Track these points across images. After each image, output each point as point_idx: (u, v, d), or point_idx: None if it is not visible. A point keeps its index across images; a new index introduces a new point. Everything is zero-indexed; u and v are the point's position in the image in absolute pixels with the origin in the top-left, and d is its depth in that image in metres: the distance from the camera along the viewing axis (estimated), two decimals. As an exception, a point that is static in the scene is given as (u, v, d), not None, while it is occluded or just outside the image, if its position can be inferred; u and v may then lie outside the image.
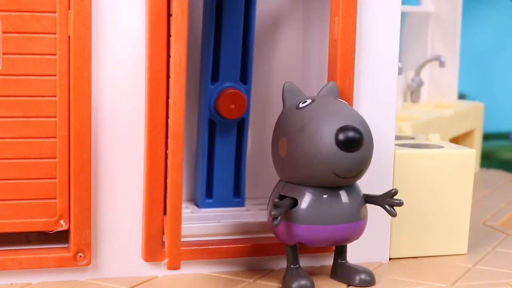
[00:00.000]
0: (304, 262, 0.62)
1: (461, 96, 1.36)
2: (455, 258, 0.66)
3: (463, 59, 1.31)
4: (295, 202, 0.55)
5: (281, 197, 0.56)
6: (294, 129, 0.55)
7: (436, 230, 0.66)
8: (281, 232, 0.57)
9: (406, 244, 0.66)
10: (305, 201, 0.55)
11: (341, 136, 0.52)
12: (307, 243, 0.56)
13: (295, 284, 0.56)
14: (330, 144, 0.53)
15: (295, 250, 0.58)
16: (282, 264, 0.62)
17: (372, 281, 0.58)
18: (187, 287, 0.58)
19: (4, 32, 0.54)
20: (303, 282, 0.56)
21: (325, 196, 0.55)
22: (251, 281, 0.59)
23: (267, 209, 0.59)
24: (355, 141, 0.53)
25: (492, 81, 1.58)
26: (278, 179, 0.77)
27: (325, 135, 0.53)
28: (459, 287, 0.59)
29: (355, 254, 0.63)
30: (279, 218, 0.54)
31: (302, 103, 0.56)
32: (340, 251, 0.59)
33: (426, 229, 0.66)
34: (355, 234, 0.57)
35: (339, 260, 0.59)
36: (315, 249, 0.62)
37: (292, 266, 0.58)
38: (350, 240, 0.57)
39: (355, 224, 0.56)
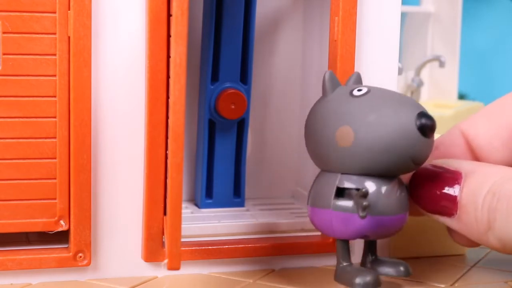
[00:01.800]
0: (304, 262, 0.62)
1: (461, 96, 1.36)
2: (455, 258, 0.66)
3: (463, 59, 1.31)
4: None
5: (339, 190, 0.54)
6: (360, 117, 0.53)
7: (436, 230, 0.66)
8: (337, 225, 0.54)
9: (406, 244, 0.66)
10: (372, 190, 0.53)
11: (422, 121, 0.52)
12: (370, 235, 0.55)
13: (358, 280, 0.54)
14: (410, 130, 0.52)
15: (348, 245, 0.56)
16: (282, 264, 0.62)
17: (410, 271, 0.57)
18: (187, 287, 0.58)
19: (4, 32, 0.54)
20: (368, 278, 0.54)
21: (388, 185, 0.54)
22: (251, 281, 0.59)
23: (308, 202, 0.56)
24: (433, 126, 0.52)
25: (492, 81, 1.58)
26: (278, 180, 0.77)
27: (404, 121, 0.52)
28: (459, 287, 0.59)
29: (355, 254, 0.63)
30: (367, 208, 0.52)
31: (358, 91, 0.55)
32: (372, 247, 0.58)
33: (426, 229, 0.66)
34: (404, 224, 0.56)
35: (371, 256, 0.58)
36: (315, 249, 0.62)
37: (344, 263, 0.56)
38: (400, 231, 0.56)
39: (407, 214, 0.55)
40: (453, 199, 0.54)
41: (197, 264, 0.60)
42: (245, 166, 0.71)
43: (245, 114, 0.69)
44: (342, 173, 0.54)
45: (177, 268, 0.50)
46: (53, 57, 0.55)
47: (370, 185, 0.53)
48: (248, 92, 0.69)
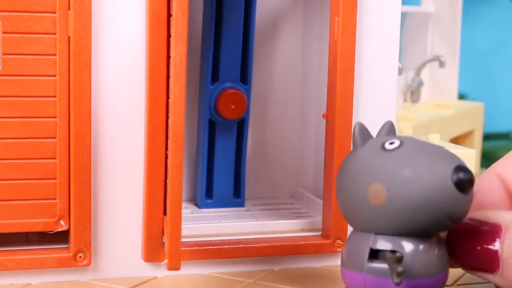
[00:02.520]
0: (304, 262, 0.62)
1: (461, 96, 1.36)
2: (455, 258, 0.66)
3: (463, 59, 1.31)
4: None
5: (373, 252, 0.50)
6: (392, 173, 0.49)
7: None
8: None
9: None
10: (409, 251, 0.50)
11: (460, 176, 0.49)
12: None
13: None
14: (447, 186, 0.48)
15: None
16: (282, 264, 0.62)
17: None
18: (187, 287, 0.58)
19: (4, 32, 0.54)
20: None
21: (426, 244, 0.50)
22: (251, 281, 0.59)
23: (340, 263, 0.52)
24: (472, 180, 0.49)
25: (492, 81, 1.58)
26: (278, 180, 0.77)
27: (440, 176, 0.48)
28: (459, 287, 0.59)
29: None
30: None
31: (390, 144, 0.51)
32: None
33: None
34: (444, 284, 0.52)
35: None
36: (315, 249, 0.62)
37: None
38: None
39: (447, 274, 0.51)
40: (494, 254, 0.50)
41: (197, 264, 0.60)
42: (245, 166, 0.71)
43: (245, 114, 0.69)
44: (376, 233, 0.50)
45: (177, 268, 0.50)
46: (53, 57, 0.55)
47: (406, 246, 0.50)
48: (248, 92, 0.69)
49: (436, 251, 0.51)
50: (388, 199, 0.49)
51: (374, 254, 0.50)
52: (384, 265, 0.49)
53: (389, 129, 0.53)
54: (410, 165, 0.49)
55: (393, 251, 0.49)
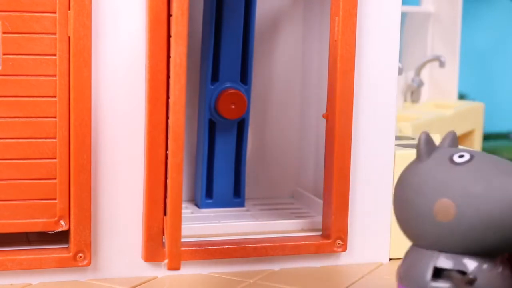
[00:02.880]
0: (304, 262, 0.62)
1: (461, 96, 1.36)
2: (455, 258, 0.66)
3: (463, 59, 1.31)
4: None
5: (437, 270, 0.48)
6: (463, 189, 0.47)
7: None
8: None
9: (406, 244, 0.66)
10: (482, 274, 0.47)
11: None
12: None
13: None
14: None
15: None
16: (282, 264, 0.62)
17: None
18: (187, 287, 0.58)
19: (4, 32, 0.54)
20: None
21: (491, 264, 0.48)
22: (251, 281, 0.59)
23: (397, 279, 0.50)
24: None
25: (492, 81, 1.58)
26: (278, 180, 0.76)
27: None
28: None
29: (355, 254, 0.63)
30: None
31: (459, 157, 0.48)
32: None
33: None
34: None
35: None
36: (315, 249, 0.62)
37: None
38: None
39: None
40: None
41: (197, 264, 0.60)
42: (245, 166, 0.71)
43: (245, 114, 0.69)
44: (440, 251, 0.48)
45: (177, 268, 0.50)
46: (53, 57, 0.55)
47: (471, 265, 0.47)
48: (248, 92, 0.69)
49: (500, 271, 0.48)
50: (456, 216, 0.47)
51: (437, 273, 0.48)
52: (449, 285, 0.47)
53: (452, 140, 0.51)
54: (482, 180, 0.47)
55: (461, 272, 0.47)
